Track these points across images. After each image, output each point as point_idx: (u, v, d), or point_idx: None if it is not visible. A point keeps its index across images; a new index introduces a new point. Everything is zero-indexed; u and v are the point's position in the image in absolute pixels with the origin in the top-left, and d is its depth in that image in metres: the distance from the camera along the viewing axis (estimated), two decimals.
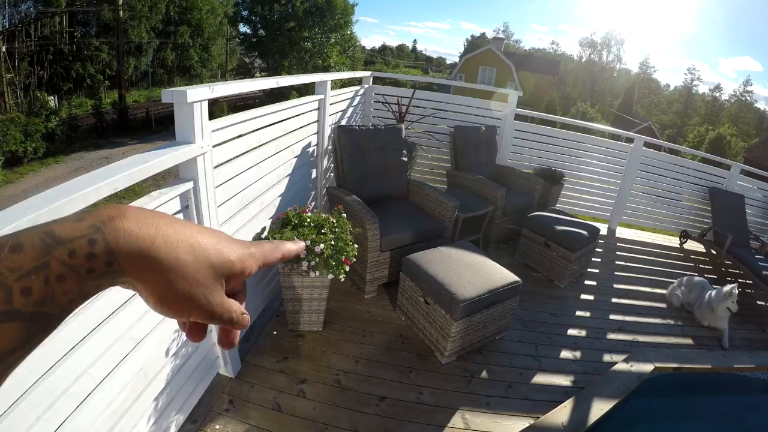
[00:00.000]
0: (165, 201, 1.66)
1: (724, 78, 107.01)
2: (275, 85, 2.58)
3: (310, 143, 3.30)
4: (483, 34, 64.06)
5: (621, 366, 2.72)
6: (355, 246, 2.53)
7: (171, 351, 1.88)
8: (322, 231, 2.45)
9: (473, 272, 2.70)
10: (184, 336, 1.90)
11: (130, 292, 1.57)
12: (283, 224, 2.52)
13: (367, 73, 4.97)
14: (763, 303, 4.25)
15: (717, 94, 45.00)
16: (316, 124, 3.37)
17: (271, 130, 2.59)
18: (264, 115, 2.45)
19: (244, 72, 30.68)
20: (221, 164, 2.06)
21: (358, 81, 4.97)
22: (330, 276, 2.41)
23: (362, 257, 3.01)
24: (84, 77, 20.57)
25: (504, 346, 2.93)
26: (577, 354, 2.99)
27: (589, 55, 50.39)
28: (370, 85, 4.97)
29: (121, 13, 20.12)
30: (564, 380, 2.70)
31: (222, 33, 28.31)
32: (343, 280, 2.47)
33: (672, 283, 3.99)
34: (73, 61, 20.17)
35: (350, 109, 4.37)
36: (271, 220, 2.77)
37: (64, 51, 19.83)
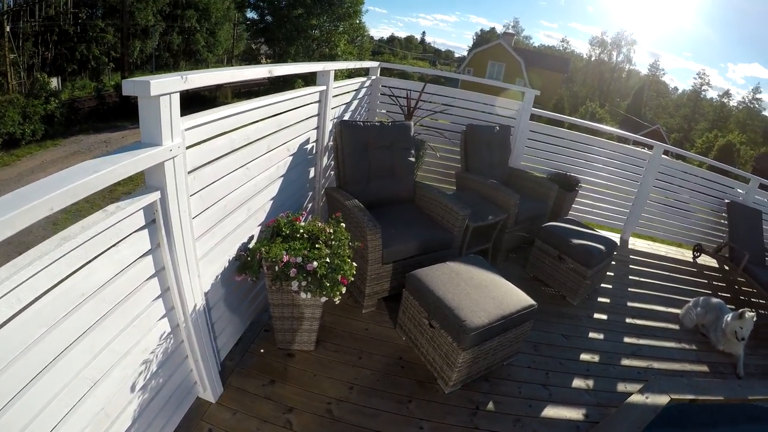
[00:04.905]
0: (124, 217, 1.36)
1: (733, 84, 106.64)
2: (267, 74, 2.26)
3: (308, 139, 2.99)
4: (492, 29, 63.56)
5: (636, 398, 2.51)
6: (354, 264, 2.22)
7: (138, 385, 1.62)
8: (317, 245, 2.17)
9: (485, 294, 2.42)
10: (153, 367, 1.65)
11: (80, 329, 1.30)
12: (272, 234, 2.24)
13: (375, 64, 4.64)
14: None
15: (725, 100, 44.47)
16: (316, 118, 3.05)
17: (262, 125, 2.27)
18: (253, 108, 2.12)
19: (250, 58, 30.31)
20: (198, 168, 1.76)
21: (365, 72, 4.63)
22: (324, 299, 2.13)
23: (362, 270, 2.72)
24: (89, 59, 20.37)
25: (513, 373, 2.67)
26: (590, 383, 2.75)
27: (599, 55, 49.92)
28: (377, 77, 4.64)
29: None
30: (576, 413, 2.47)
31: (229, 18, 27.97)
32: (338, 302, 2.17)
33: (687, 302, 3.74)
34: (78, 43, 19.93)
35: (355, 102, 4.04)
36: (260, 228, 2.47)
37: (69, 32, 19.57)
